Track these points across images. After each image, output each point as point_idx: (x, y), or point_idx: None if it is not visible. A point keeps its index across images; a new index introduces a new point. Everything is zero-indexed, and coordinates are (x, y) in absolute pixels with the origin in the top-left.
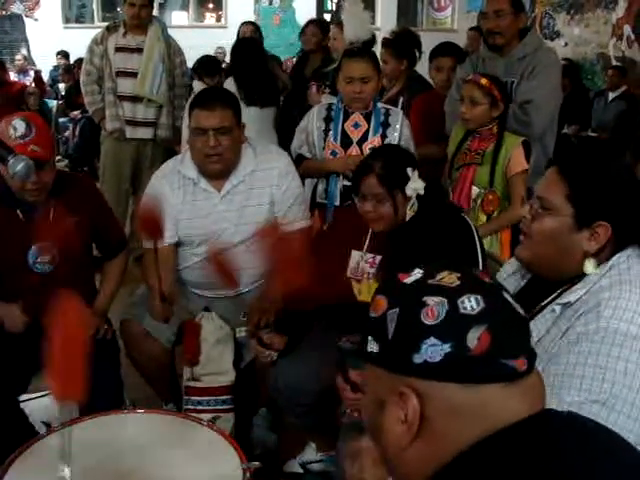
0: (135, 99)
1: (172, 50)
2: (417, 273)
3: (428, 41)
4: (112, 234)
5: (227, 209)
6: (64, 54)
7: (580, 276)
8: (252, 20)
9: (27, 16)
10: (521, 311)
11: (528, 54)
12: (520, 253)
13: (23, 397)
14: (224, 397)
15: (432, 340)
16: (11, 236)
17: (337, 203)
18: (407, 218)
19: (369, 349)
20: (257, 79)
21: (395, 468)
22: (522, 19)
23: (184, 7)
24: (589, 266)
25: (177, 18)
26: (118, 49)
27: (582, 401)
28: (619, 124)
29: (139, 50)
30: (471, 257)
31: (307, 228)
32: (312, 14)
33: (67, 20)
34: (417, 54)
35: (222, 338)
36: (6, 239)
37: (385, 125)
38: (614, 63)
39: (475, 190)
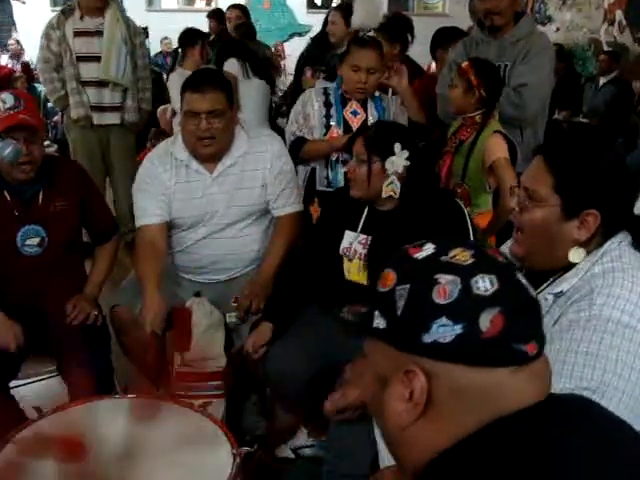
0: (100, 84)
1: (132, 31)
2: (429, 248)
3: (421, 25)
4: (102, 219)
5: (219, 191)
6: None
7: (572, 265)
8: (242, 3)
9: None
10: (534, 294)
11: (522, 38)
12: (515, 249)
13: (13, 383)
14: (215, 382)
15: (443, 320)
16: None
17: None
18: (383, 195)
19: (375, 324)
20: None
21: (395, 449)
22: (518, 2)
23: None
24: (575, 255)
25: (167, 2)
26: (77, 33)
27: (572, 388)
28: (610, 109)
29: (99, 33)
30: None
31: (299, 213)
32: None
33: (55, 3)
34: (409, 38)
35: (213, 323)
36: None
37: (382, 111)
38: (606, 48)
39: (453, 181)
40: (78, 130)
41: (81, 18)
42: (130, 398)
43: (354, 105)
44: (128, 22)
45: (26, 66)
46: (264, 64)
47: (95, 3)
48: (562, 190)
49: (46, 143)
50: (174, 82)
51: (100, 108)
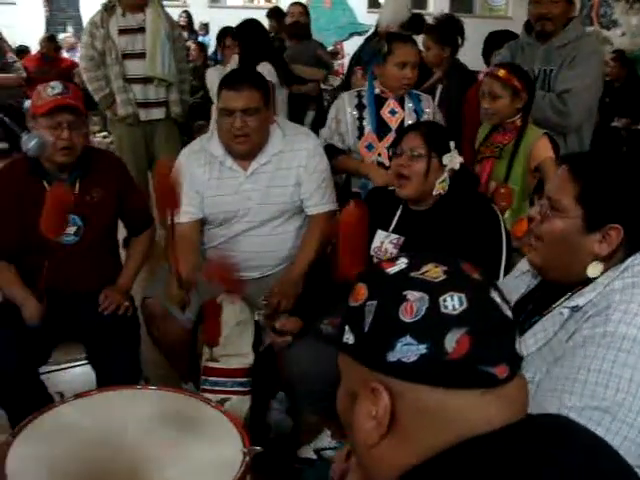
0: (146, 80)
1: (172, 25)
2: (402, 263)
3: (484, 28)
4: (138, 211)
5: (252, 188)
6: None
7: (590, 279)
8: (303, 1)
9: None
10: (508, 313)
11: (569, 42)
12: (532, 258)
13: (44, 369)
14: (241, 379)
15: (408, 339)
16: (37, 206)
17: None
18: (434, 192)
19: (345, 339)
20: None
21: (363, 464)
22: (572, 9)
23: None
24: (594, 270)
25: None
26: (121, 31)
27: (583, 407)
28: None
29: (142, 30)
30: (495, 248)
31: (332, 212)
32: None
33: None
34: (460, 41)
35: (243, 320)
36: (33, 209)
37: (420, 110)
38: None
39: (493, 185)
40: (123, 127)
41: (123, 15)
42: (151, 389)
43: (392, 104)
44: (168, 16)
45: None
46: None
47: (138, 1)
48: (585, 201)
49: (103, 134)
50: (211, 78)
51: (146, 104)
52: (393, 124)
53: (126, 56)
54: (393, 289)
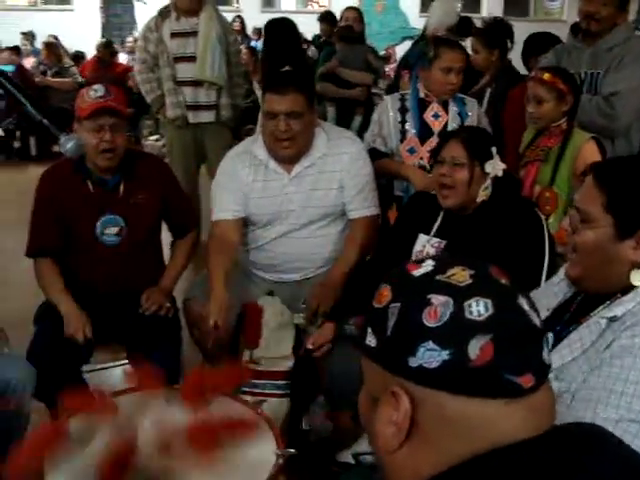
0: (196, 83)
1: (226, 29)
2: (428, 265)
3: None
4: (182, 214)
5: (296, 191)
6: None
7: (629, 288)
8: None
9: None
10: (536, 321)
11: (617, 44)
12: (569, 270)
13: (86, 368)
14: (280, 382)
15: (430, 344)
16: (81, 206)
17: None
18: (478, 199)
19: (367, 341)
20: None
21: (385, 470)
22: (623, 16)
23: None
24: (637, 277)
25: (286, 3)
26: (174, 34)
27: (618, 419)
28: None
29: (194, 33)
30: (538, 254)
31: (374, 217)
32: (416, 1)
33: None
34: (509, 44)
35: (283, 323)
36: (76, 208)
37: (464, 114)
38: None
39: (537, 189)
40: (174, 129)
41: (177, 19)
42: None
43: (435, 108)
44: (222, 20)
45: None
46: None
47: (191, 4)
48: (614, 209)
49: (155, 137)
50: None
51: (196, 107)
52: (436, 128)
53: (177, 59)
54: (417, 292)
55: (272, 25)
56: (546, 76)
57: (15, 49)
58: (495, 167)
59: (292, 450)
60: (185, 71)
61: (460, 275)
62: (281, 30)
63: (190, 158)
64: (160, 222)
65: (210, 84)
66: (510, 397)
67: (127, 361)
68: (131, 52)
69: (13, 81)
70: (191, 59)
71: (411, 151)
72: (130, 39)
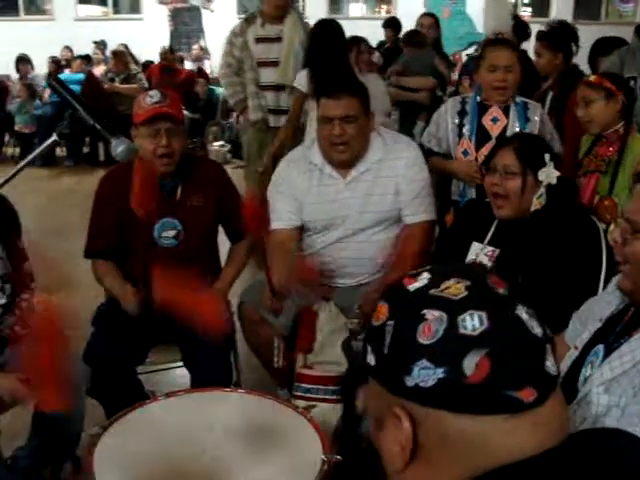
0: (278, 88)
1: (309, 36)
2: (423, 279)
3: (610, 35)
4: (238, 218)
5: (351, 196)
6: None
7: None
8: (421, 12)
9: (204, 8)
10: (537, 331)
11: None
12: (621, 283)
13: (141, 369)
14: (333, 387)
15: (424, 362)
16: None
17: None
18: (532, 208)
19: (367, 360)
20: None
21: None
22: None
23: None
24: None
25: (354, 9)
26: (258, 40)
27: None
28: None
29: (278, 39)
30: (594, 262)
31: (430, 222)
32: (482, 6)
33: (245, 10)
34: (574, 48)
35: (337, 328)
36: (133, 212)
37: (524, 119)
38: None
39: (596, 197)
40: (254, 132)
41: (262, 25)
42: (239, 393)
43: (495, 112)
44: (306, 27)
45: (200, 69)
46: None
47: (277, 11)
48: None
49: (220, 143)
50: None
51: (277, 111)
52: (494, 132)
53: (261, 64)
54: (412, 308)
55: (319, 27)
56: (592, 78)
57: (85, 58)
58: (549, 175)
59: (338, 457)
60: (268, 75)
61: (454, 288)
62: (327, 32)
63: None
64: (217, 226)
65: (292, 89)
66: (510, 413)
67: (181, 363)
68: (197, 60)
69: (67, 87)
70: (274, 64)
71: (465, 154)
72: (196, 47)
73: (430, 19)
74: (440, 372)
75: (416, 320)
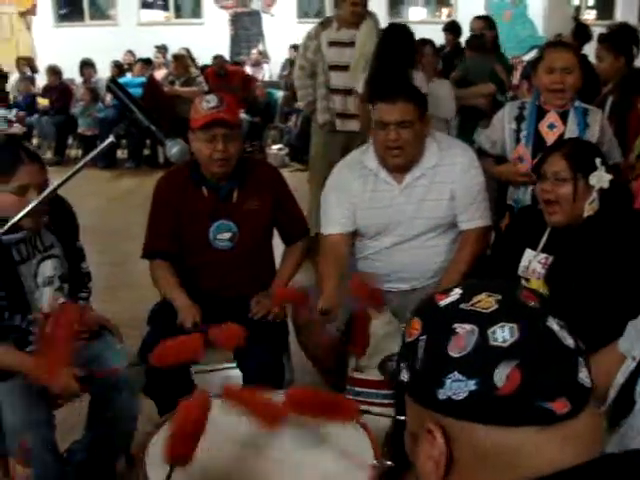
0: (347, 92)
1: None
2: (455, 294)
3: None
4: (294, 222)
5: (406, 202)
6: (296, 48)
7: None
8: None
9: (264, 12)
10: (569, 342)
11: None
12: None
13: (194, 368)
14: (385, 391)
15: (456, 375)
16: (196, 211)
17: None
18: (585, 214)
19: (402, 376)
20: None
21: None
22: None
23: (425, 3)
24: None
25: (414, 13)
26: (331, 43)
27: None
28: None
29: (351, 44)
30: None
31: (485, 228)
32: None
33: (305, 15)
34: (635, 51)
35: (390, 333)
36: (191, 213)
37: (583, 126)
38: None
39: None
40: (322, 134)
41: (337, 29)
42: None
43: (552, 118)
44: (380, 34)
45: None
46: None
47: (353, 17)
48: None
49: (278, 146)
50: None
51: (344, 115)
52: (550, 138)
53: (332, 67)
54: (443, 322)
55: (389, 32)
56: None
57: (146, 62)
58: (600, 179)
59: (389, 462)
60: (338, 79)
61: (485, 302)
62: (397, 37)
63: (334, 163)
64: (272, 229)
65: (357, 93)
66: (542, 424)
67: (235, 364)
68: (256, 64)
69: (124, 89)
70: (345, 68)
71: (520, 159)
72: (254, 51)
73: (482, 22)
74: (472, 384)
75: (447, 334)
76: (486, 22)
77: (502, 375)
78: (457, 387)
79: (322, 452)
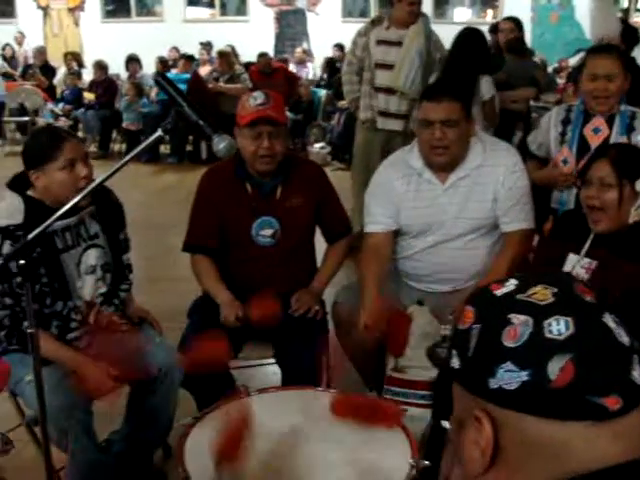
0: (389, 91)
1: (432, 45)
2: (510, 284)
3: None
4: (336, 220)
5: (449, 202)
6: (340, 47)
7: None
8: (528, 17)
9: (309, 10)
10: (624, 340)
11: None
12: None
13: (233, 363)
14: (423, 392)
15: (509, 365)
16: (239, 207)
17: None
18: (630, 220)
19: (452, 363)
20: None
21: None
22: None
23: (471, 4)
24: None
25: (459, 14)
26: (379, 42)
27: None
28: None
29: (399, 43)
30: None
31: (528, 230)
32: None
33: (349, 14)
34: None
35: (430, 333)
36: (234, 209)
37: (629, 130)
38: None
39: None
40: (364, 131)
41: (387, 28)
42: (331, 392)
43: (597, 122)
44: (430, 36)
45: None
46: None
47: (408, 17)
48: None
49: (320, 145)
50: None
51: (385, 114)
52: (594, 142)
53: (378, 65)
54: (498, 312)
55: (464, 36)
56: None
57: (190, 58)
58: None
59: (427, 462)
60: (382, 78)
61: (541, 294)
62: (471, 41)
63: (374, 161)
64: (314, 226)
65: (401, 94)
66: (593, 420)
67: (274, 360)
68: (300, 62)
69: (173, 83)
70: (390, 67)
71: (564, 162)
72: (299, 49)
73: (510, 23)
74: (524, 375)
75: (502, 324)
76: (515, 23)
77: (555, 368)
78: (509, 377)
79: (359, 451)
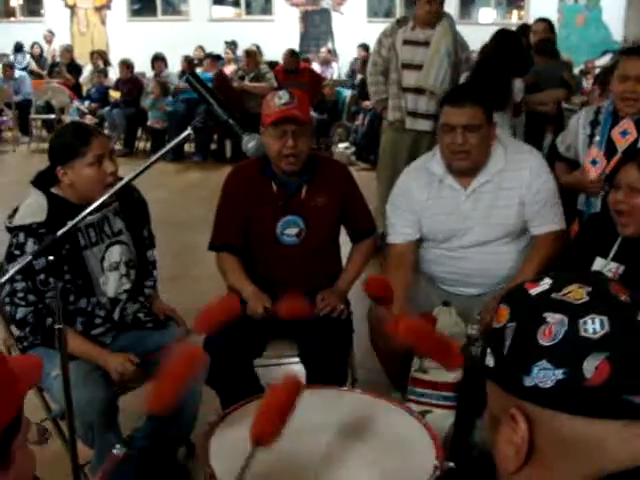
0: (418, 91)
1: (459, 45)
2: (545, 283)
3: None
4: (361, 220)
5: (473, 208)
6: (364, 47)
7: None
8: (554, 18)
9: (334, 10)
10: None
11: None
12: None
13: (258, 362)
14: (447, 393)
15: (544, 363)
16: (264, 206)
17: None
18: None
19: (487, 361)
20: None
21: None
22: None
23: (496, 5)
24: None
25: (484, 15)
26: (406, 42)
27: None
28: None
29: (426, 44)
30: None
31: (558, 232)
32: (620, 13)
33: (375, 14)
34: None
35: (456, 334)
36: (259, 207)
37: None
38: None
39: None
40: (391, 132)
41: (413, 29)
42: (355, 392)
43: (625, 124)
44: (456, 36)
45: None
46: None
47: (429, 17)
48: None
49: (345, 145)
50: None
51: (414, 114)
52: (621, 145)
53: (405, 66)
54: (533, 311)
55: (499, 38)
56: None
57: (215, 57)
58: None
59: (451, 464)
60: (410, 78)
61: (576, 292)
62: (507, 43)
63: (401, 162)
64: (339, 226)
65: (431, 93)
66: (629, 419)
67: (298, 359)
68: (325, 62)
69: (203, 82)
70: (418, 67)
71: (593, 163)
72: (324, 49)
73: (543, 24)
74: (560, 373)
75: (537, 322)
76: (548, 24)
77: (591, 366)
78: (544, 375)
79: (384, 450)
